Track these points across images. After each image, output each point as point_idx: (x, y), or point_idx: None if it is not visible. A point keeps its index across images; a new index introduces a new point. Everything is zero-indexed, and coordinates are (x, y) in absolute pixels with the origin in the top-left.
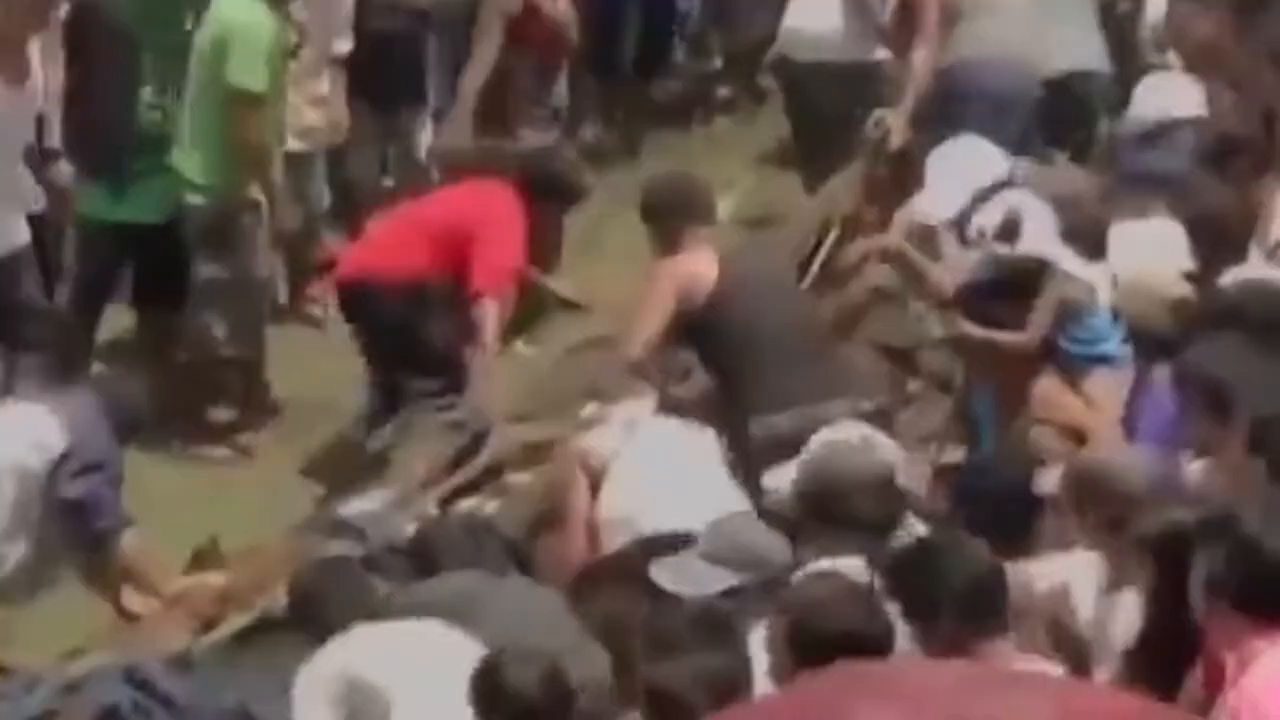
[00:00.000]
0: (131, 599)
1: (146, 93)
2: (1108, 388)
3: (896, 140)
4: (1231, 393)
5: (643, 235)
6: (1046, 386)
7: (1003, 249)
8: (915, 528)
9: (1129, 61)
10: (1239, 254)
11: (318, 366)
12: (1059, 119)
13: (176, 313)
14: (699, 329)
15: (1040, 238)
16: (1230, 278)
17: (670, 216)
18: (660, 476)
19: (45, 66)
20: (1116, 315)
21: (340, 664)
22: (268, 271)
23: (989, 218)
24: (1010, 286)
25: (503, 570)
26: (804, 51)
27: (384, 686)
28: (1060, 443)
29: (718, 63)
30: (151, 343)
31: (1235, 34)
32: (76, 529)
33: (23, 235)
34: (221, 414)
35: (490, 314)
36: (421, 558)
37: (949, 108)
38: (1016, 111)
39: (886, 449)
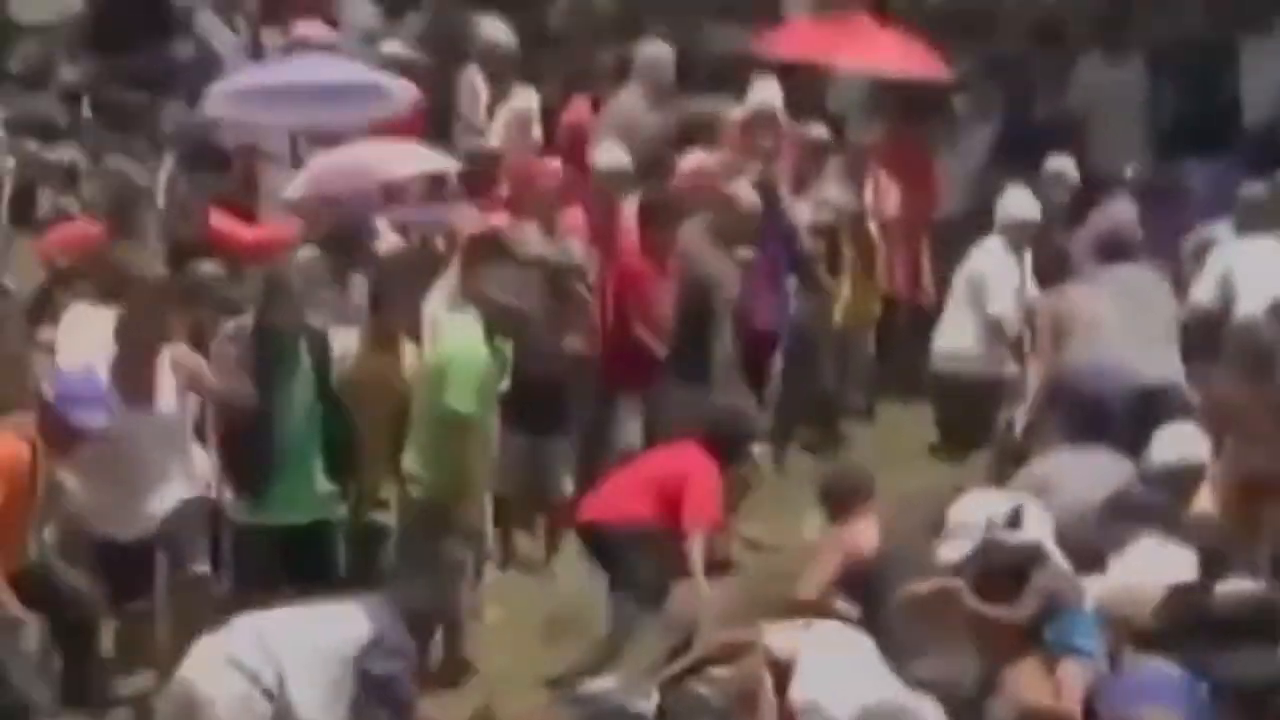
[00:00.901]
0: None
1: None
2: (1075, 677)
3: (1019, 430)
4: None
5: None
6: (1026, 665)
7: (1006, 535)
8: None
9: None
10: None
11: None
12: (1149, 423)
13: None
14: (856, 581)
15: (1038, 534)
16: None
17: (842, 498)
18: (837, 669)
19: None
20: (1098, 616)
21: None
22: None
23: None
24: (1007, 569)
25: None
26: (949, 365)
27: None
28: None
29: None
30: None
31: (1249, 393)
32: (382, 699)
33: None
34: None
35: (697, 548)
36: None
37: (1061, 407)
38: (1114, 413)
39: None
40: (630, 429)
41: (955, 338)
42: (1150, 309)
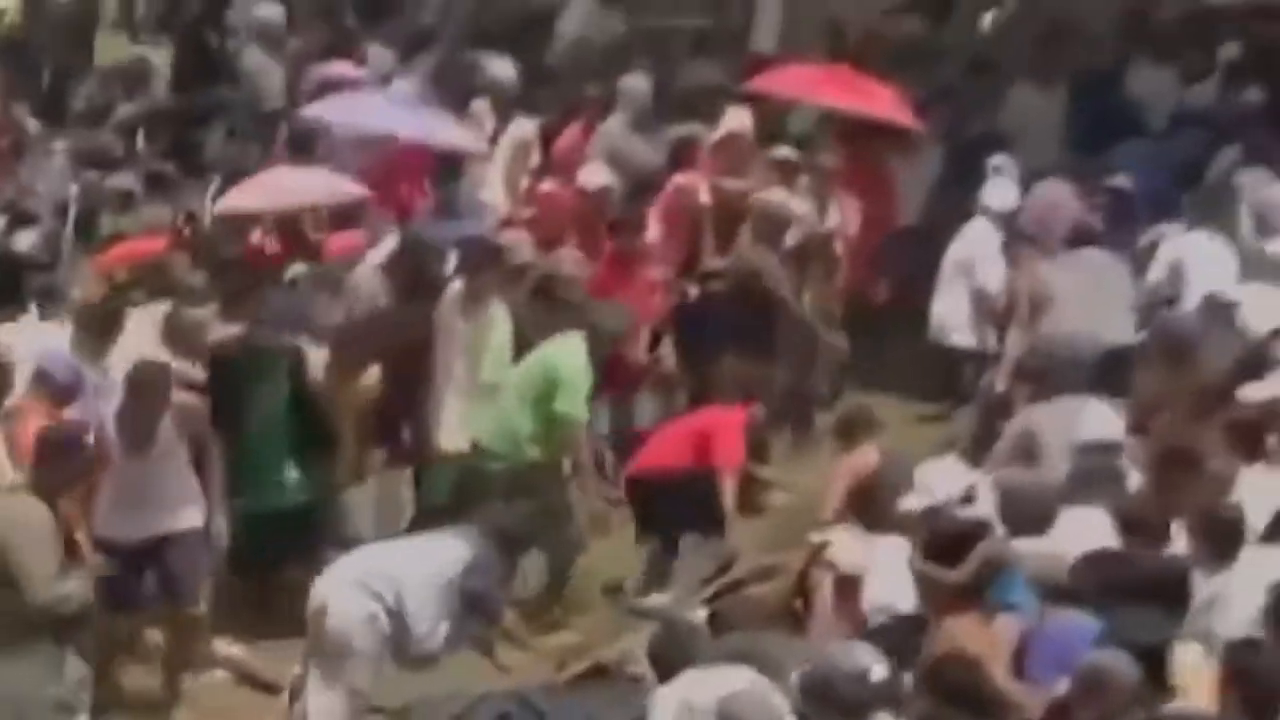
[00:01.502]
0: (505, 655)
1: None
2: (1006, 630)
3: (1001, 389)
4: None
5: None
6: (964, 619)
7: (960, 510)
8: None
9: None
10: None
11: None
12: (1113, 380)
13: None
14: (863, 496)
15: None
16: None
17: (850, 430)
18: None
19: None
20: (1028, 577)
21: (682, 693)
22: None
23: (953, 490)
24: (955, 538)
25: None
26: (941, 334)
27: (710, 710)
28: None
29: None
30: None
31: (1171, 380)
32: (477, 609)
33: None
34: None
35: (730, 486)
36: (717, 629)
37: (1036, 369)
38: (1083, 370)
39: None
40: (601, 424)
41: (946, 309)
42: (1109, 286)
